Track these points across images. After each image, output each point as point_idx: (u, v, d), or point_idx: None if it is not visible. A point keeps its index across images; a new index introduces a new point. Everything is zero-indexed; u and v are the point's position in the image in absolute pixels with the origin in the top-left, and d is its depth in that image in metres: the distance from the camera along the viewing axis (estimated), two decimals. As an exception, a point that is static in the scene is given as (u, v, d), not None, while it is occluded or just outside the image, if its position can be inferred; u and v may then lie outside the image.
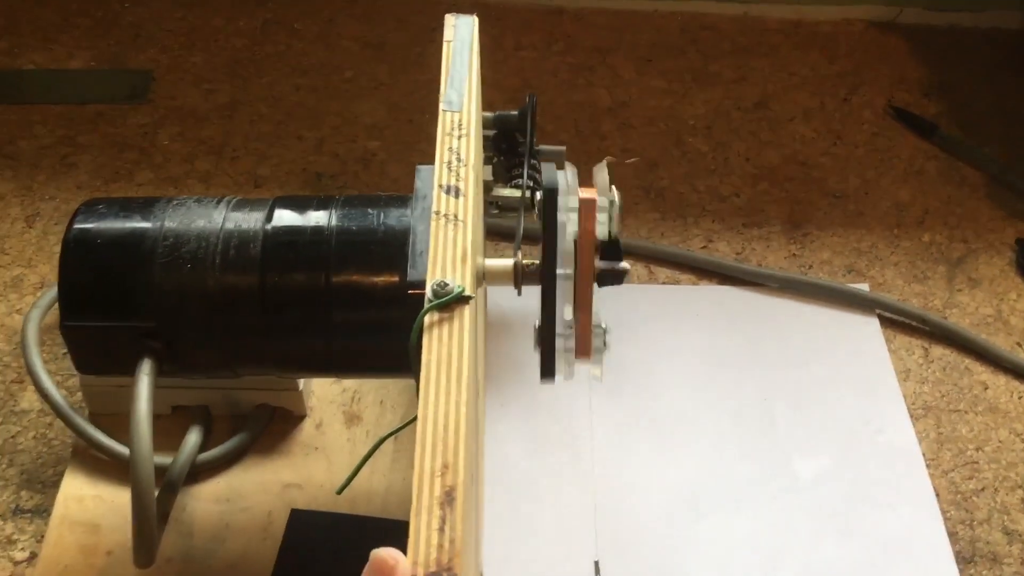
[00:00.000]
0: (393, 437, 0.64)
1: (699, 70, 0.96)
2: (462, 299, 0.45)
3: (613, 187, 0.51)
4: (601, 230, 0.51)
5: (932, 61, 0.99)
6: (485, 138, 0.68)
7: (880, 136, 0.91)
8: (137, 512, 0.48)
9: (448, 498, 0.38)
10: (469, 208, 0.49)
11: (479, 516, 0.56)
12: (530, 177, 0.66)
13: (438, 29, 0.98)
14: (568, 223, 0.51)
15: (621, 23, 1.00)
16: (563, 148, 0.69)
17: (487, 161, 0.67)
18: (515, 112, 0.67)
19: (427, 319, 0.44)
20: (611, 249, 0.52)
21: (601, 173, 0.52)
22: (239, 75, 0.92)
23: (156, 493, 0.51)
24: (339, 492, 0.48)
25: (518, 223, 0.57)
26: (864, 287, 0.77)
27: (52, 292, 0.69)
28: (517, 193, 0.65)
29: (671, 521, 0.64)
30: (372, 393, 0.67)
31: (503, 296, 0.74)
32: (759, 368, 0.72)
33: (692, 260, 0.78)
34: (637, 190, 0.84)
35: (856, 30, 1.02)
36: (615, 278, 0.53)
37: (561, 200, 0.50)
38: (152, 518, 0.48)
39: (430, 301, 0.44)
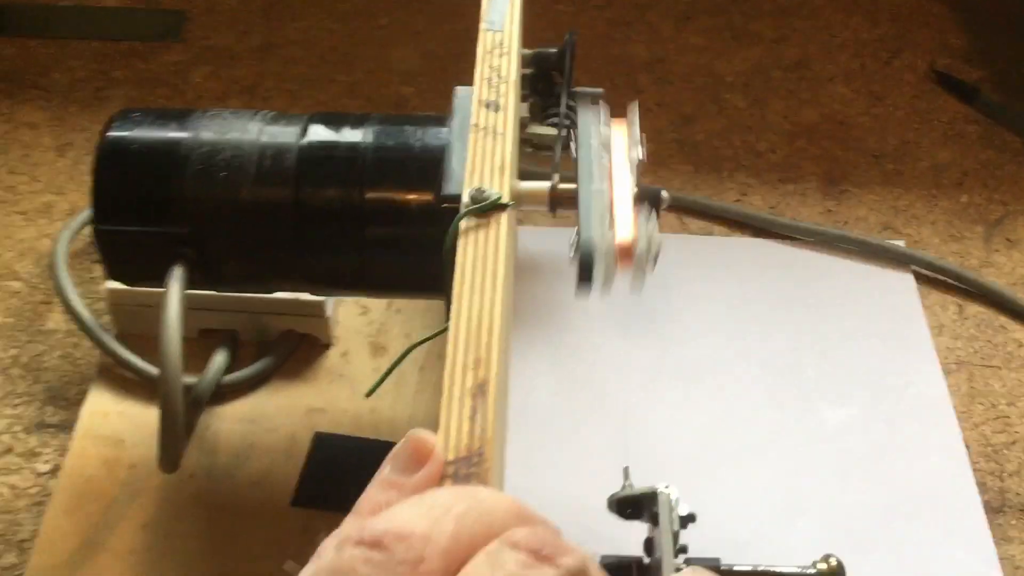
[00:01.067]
0: (419, 368, 0.64)
1: (739, 29, 0.95)
2: (499, 206, 0.44)
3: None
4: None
5: (975, 29, 0.97)
6: (522, 77, 0.67)
7: (921, 99, 0.89)
8: (165, 413, 0.48)
9: (480, 390, 0.37)
10: (509, 122, 0.49)
11: (503, 441, 0.55)
12: (566, 116, 0.65)
13: (475, -20, 0.98)
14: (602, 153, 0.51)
15: (660, -20, 0.99)
16: (600, 90, 0.68)
17: (523, 99, 0.67)
18: (554, 50, 0.66)
19: (463, 224, 0.43)
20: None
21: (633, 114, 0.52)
22: (273, 18, 0.92)
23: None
24: (368, 395, 0.48)
25: (555, 149, 0.57)
26: (900, 244, 0.76)
27: (81, 216, 0.69)
28: (553, 131, 0.64)
29: (697, 462, 0.63)
30: (398, 326, 0.67)
31: (532, 239, 0.74)
32: (790, 319, 0.71)
33: (725, 212, 0.78)
34: (671, 143, 0.84)
35: (899, -5, 1.00)
36: (653, 199, 0.52)
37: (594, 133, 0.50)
38: (179, 419, 0.48)
39: (467, 207, 0.44)
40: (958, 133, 0.86)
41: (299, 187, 0.50)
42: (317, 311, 0.63)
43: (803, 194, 0.80)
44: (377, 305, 0.67)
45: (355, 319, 0.67)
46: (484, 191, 0.44)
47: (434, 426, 0.66)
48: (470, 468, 0.35)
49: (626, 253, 0.48)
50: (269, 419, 0.61)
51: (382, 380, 0.46)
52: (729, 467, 0.63)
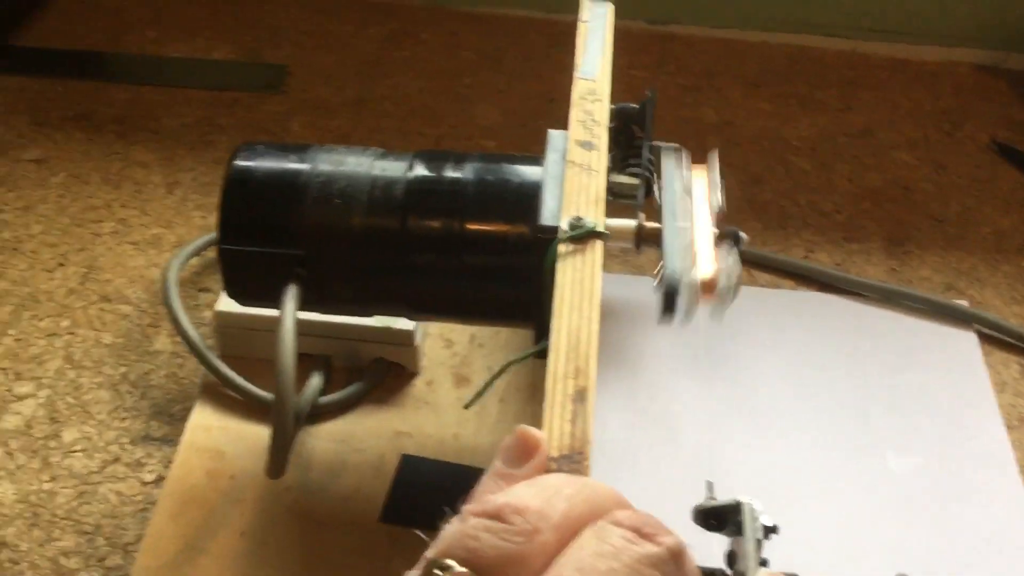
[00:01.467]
0: (499, 399, 0.67)
1: (805, 97, 0.99)
2: (595, 234, 0.48)
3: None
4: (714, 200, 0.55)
5: (1037, 104, 1.00)
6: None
7: (982, 169, 0.92)
8: (277, 421, 0.52)
9: (580, 396, 0.41)
10: (602, 160, 0.53)
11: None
12: (645, 167, 0.69)
13: (554, 46, 1.04)
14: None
15: (729, 50, 1.04)
16: (676, 145, 0.73)
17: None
18: (635, 105, 0.71)
19: (561, 248, 0.47)
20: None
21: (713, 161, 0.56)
22: (367, 76, 0.98)
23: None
24: (467, 406, 0.51)
25: (638, 194, 0.61)
26: (963, 303, 0.78)
27: (190, 247, 0.75)
28: (634, 180, 0.68)
29: (764, 503, 0.65)
30: (480, 359, 0.70)
31: (606, 285, 0.77)
32: (855, 371, 0.74)
33: (792, 267, 0.81)
34: (740, 202, 0.87)
35: (961, 72, 1.04)
36: (734, 238, 0.56)
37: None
38: (290, 427, 0.52)
39: (565, 233, 0.48)
40: (1019, 202, 0.89)
41: (405, 217, 0.55)
42: (406, 340, 0.67)
43: (867, 253, 0.83)
44: (461, 339, 0.71)
45: (440, 351, 0.70)
46: (582, 219, 0.48)
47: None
48: (571, 466, 0.38)
49: (709, 287, 0.52)
50: (359, 440, 0.65)
51: (482, 393, 0.50)
52: (796, 509, 0.65)
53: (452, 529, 0.33)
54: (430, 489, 0.62)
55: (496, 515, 0.32)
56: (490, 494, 0.36)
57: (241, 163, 0.56)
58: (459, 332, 0.72)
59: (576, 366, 0.42)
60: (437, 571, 0.31)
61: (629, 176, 0.69)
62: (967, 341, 0.76)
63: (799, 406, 0.71)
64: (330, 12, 1.05)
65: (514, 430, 0.38)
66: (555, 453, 0.39)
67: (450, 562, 0.31)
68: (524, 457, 0.37)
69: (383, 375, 0.68)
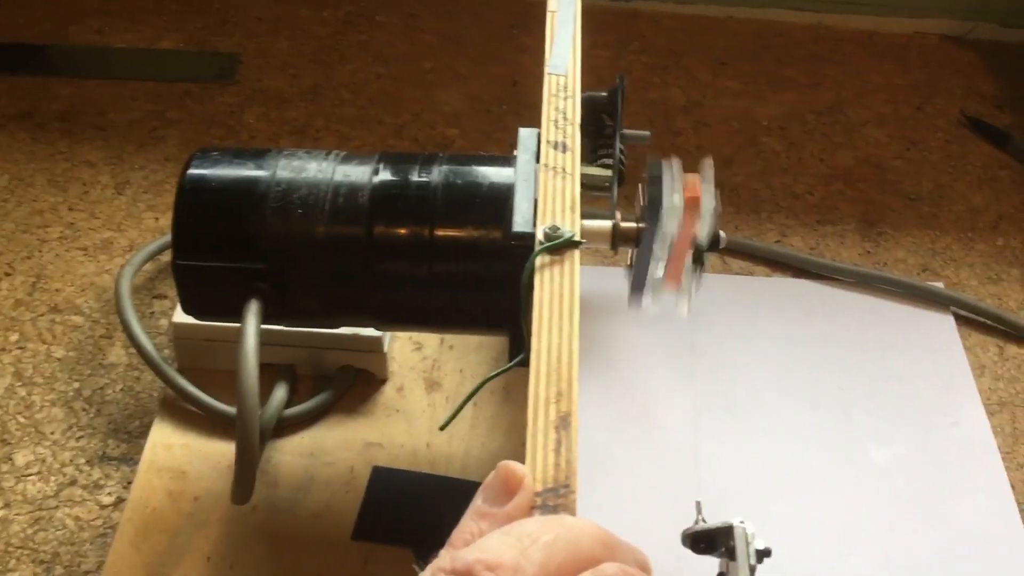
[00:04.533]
0: (472, 403, 0.65)
1: (773, 74, 0.97)
2: (572, 244, 0.46)
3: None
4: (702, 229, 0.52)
5: (1005, 76, 0.99)
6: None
7: (953, 144, 0.91)
8: (242, 447, 0.49)
9: (563, 423, 0.39)
10: (576, 162, 0.50)
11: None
12: (617, 159, 0.67)
13: (516, 26, 1.01)
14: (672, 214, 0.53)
15: (695, 27, 1.02)
16: (647, 133, 0.70)
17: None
18: (604, 93, 0.68)
19: (538, 261, 0.45)
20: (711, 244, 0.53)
21: (707, 171, 0.53)
22: (323, 62, 0.94)
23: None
24: (442, 428, 0.49)
25: (612, 189, 0.58)
26: (939, 286, 0.77)
27: (143, 252, 0.71)
28: (604, 172, 0.66)
29: (746, 500, 0.64)
30: (452, 362, 0.68)
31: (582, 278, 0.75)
32: (834, 359, 0.72)
33: (766, 252, 0.79)
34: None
35: (929, 43, 1.02)
36: (713, 245, 0.54)
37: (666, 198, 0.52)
38: (255, 452, 0.49)
39: (541, 244, 0.46)
40: (991, 177, 0.88)
41: (371, 224, 0.52)
42: (374, 346, 0.64)
43: (841, 235, 0.82)
44: (431, 341, 0.69)
45: (409, 355, 0.68)
46: (559, 228, 0.46)
47: (488, 460, 0.68)
48: (557, 499, 0.36)
49: (693, 203, 0.50)
50: (328, 453, 0.62)
51: (456, 414, 0.48)
52: (780, 504, 0.64)
53: None
54: (404, 502, 0.60)
55: (467, 573, 0.30)
56: (468, 535, 0.34)
57: (195, 171, 0.53)
58: (429, 335, 0.69)
59: (558, 390, 0.40)
60: None
61: (600, 168, 0.67)
62: (944, 324, 0.75)
63: (779, 398, 0.70)
64: (282, -5, 1.01)
65: (496, 466, 0.36)
66: (539, 486, 0.36)
67: None
68: (507, 495, 0.35)
69: (350, 383, 0.65)
